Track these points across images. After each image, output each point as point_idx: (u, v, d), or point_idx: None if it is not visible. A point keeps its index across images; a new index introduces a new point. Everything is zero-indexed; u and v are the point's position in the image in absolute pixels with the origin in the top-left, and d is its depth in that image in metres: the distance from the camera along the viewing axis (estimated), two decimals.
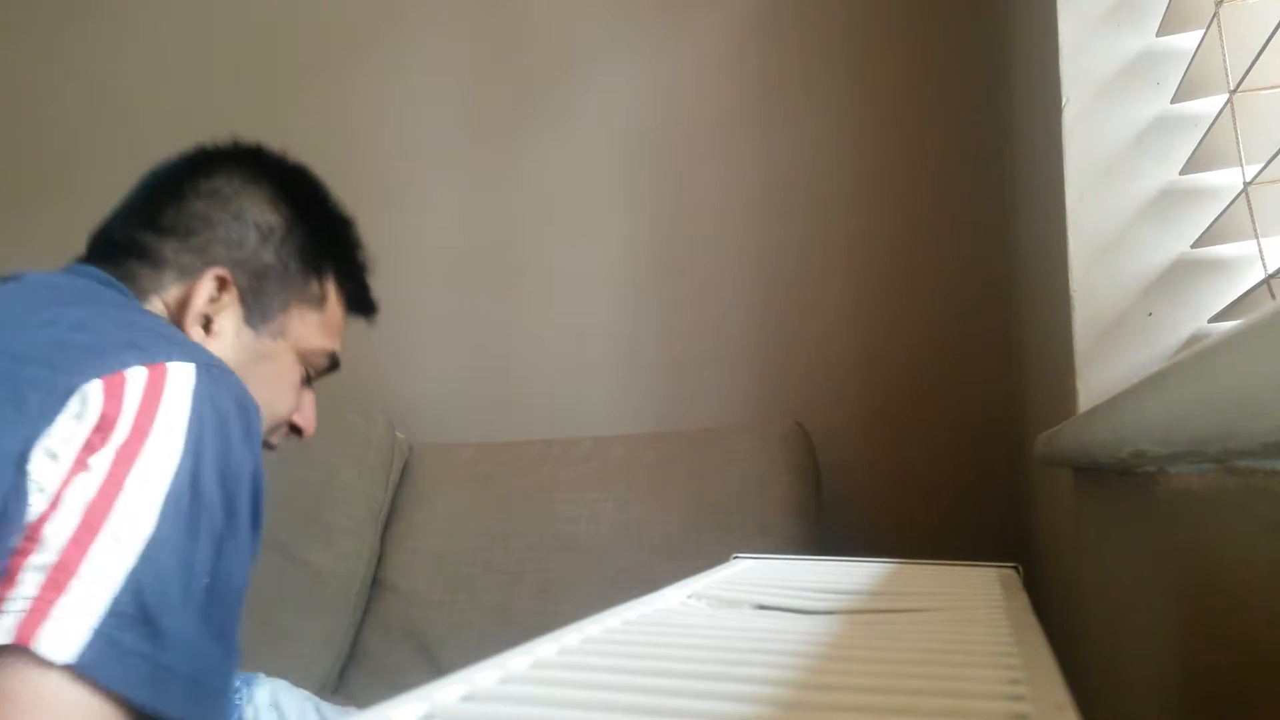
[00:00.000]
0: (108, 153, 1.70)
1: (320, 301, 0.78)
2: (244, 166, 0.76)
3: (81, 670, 0.45)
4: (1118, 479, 0.54)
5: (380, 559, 1.20)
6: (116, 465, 0.49)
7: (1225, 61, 0.55)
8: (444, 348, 1.49)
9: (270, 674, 1.07)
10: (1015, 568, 0.56)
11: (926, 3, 1.31)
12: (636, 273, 1.41)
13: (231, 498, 0.54)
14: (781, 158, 1.36)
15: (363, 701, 1.07)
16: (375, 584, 1.19)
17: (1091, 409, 0.51)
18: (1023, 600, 0.43)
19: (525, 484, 1.18)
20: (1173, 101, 0.66)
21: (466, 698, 0.25)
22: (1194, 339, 0.63)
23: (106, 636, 0.46)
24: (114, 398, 0.51)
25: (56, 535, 0.47)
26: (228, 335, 0.70)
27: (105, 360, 0.52)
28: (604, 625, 0.35)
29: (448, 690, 0.25)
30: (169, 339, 0.58)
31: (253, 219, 0.73)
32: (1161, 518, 0.46)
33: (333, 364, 0.82)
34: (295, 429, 0.81)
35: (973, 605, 0.41)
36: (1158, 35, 0.68)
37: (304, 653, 1.09)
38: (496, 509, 1.17)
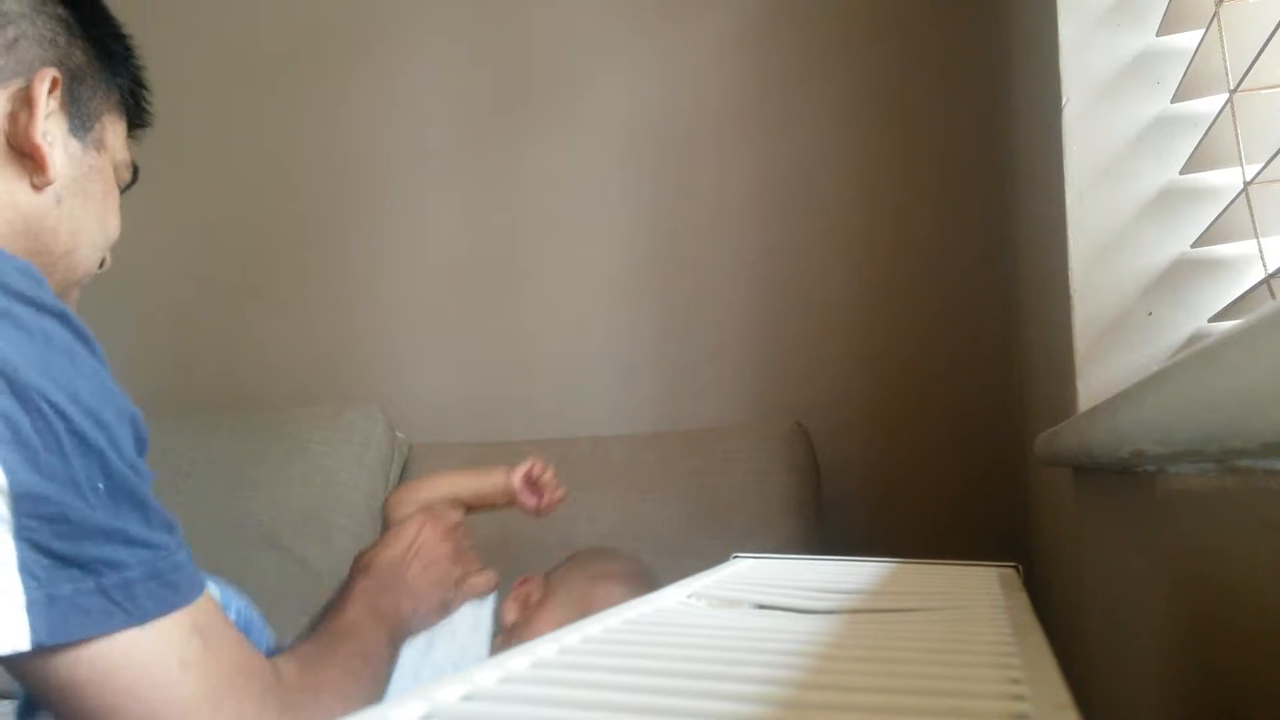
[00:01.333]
0: None
1: (120, 108, 0.70)
2: None
3: (49, 643, 0.43)
4: (1118, 478, 0.54)
5: None
6: None
7: (1225, 61, 0.55)
8: (443, 347, 1.49)
9: None
10: (1015, 567, 0.56)
11: (926, 3, 1.31)
12: (636, 272, 1.41)
13: (60, 387, 0.45)
14: (781, 158, 1.36)
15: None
16: None
17: (1091, 409, 0.51)
18: (1023, 600, 0.43)
19: None
20: (1173, 101, 0.66)
21: (466, 697, 0.25)
22: (1194, 339, 0.63)
23: (42, 603, 0.43)
24: None
25: None
26: (58, 147, 0.60)
27: None
28: (604, 625, 0.35)
29: (448, 690, 0.25)
30: None
31: (51, 9, 0.63)
32: (1161, 517, 0.46)
33: (134, 178, 0.72)
34: None
35: (973, 605, 0.41)
36: (1158, 35, 0.68)
37: None
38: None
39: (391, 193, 1.55)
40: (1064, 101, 0.69)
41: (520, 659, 0.29)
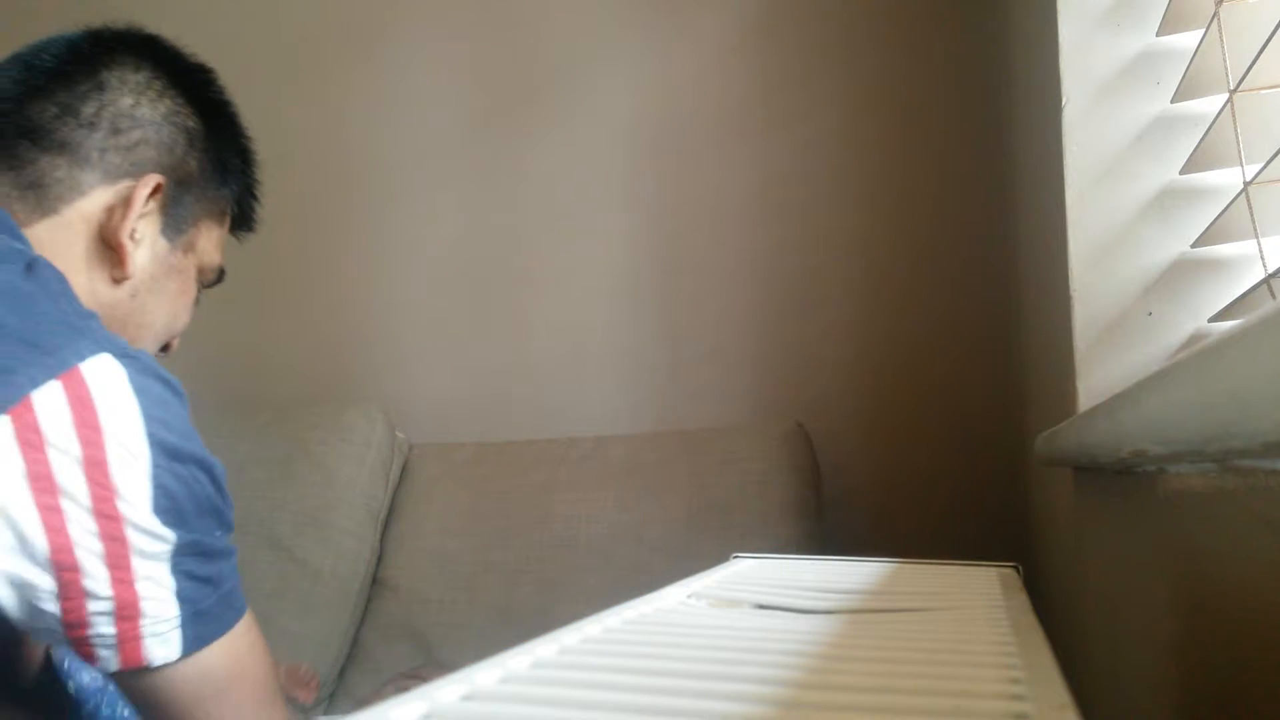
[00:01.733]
0: None
1: (223, 217, 0.73)
2: (156, 59, 0.69)
3: (193, 651, 0.52)
4: (1118, 478, 0.54)
5: (380, 558, 1.20)
6: (95, 492, 0.47)
7: (1225, 61, 0.55)
8: (444, 347, 1.49)
9: None
10: (1015, 567, 0.56)
11: (926, 3, 1.31)
12: (636, 272, 1.41)
13: (199, 480, 0.54)
14: (781, 157, 1.36)
15: (363, 700, 1.07)
16: (375, 583, 1.19)
17: (1091, 408, 0.51)
18: (1023, 600, 0.43)
19: (525, 483, 1.18)
20: (1173, 101, 0.66)
21: (466, 697, 0.25)
22: (1194, 339, 0.63)
23: (190, 619, 0.52)
24: (28, 428, 0.46)
25: (96, 585, 0.48)
26: (145, 246, 0.64)
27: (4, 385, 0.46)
28: (604, 625, 0.35)
29: (448, 690, 0.25)
30: (69, 324, 0.50)
31: (181, 121, 0.67)
32: (1161, 517, 0.46)
33: (219, 278, 0.76)
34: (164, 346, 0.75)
35: (973, 605, 0.41)
36: (1158, 35, 0.68)
37: (304, 652, 1.09)
38: (496, 509, 1.17)
39: (392, 193, 1.55)
40: (1064, 101, 0.69)
41: (520, 658, 0.29)
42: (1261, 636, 0.32)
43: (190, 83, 0.70)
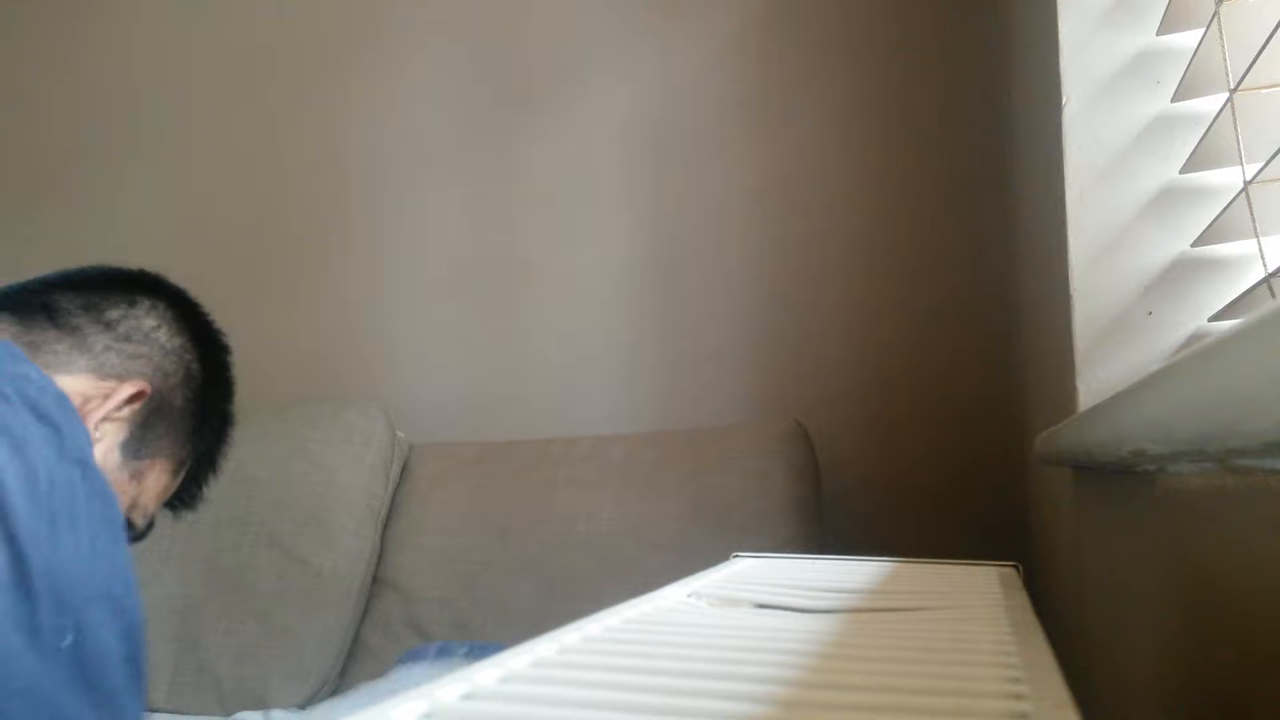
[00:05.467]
0: (108, 153, 1.70)
1: (178, 471, 0.73)
2: (188, 311, 0.74)
3: None
4: (1118, 478, 0.54)
5: (381, 557, 1.20)
6: None
7: (1225, 60, 0.55)
8: (444, 346, 1.49)
9: (271, 672, 1.07)
10: (1015, 566, 0.56)
11: (926, 3, 1.31)
12: (636, 272, 1.41)
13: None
14: (781, 157, 1.36)
15: (363, 700, 1.07)
16: (376, 582, 1.19)
17: (1091, 408, 0.51)
18: (1022, 599, 0.43)
19: (525, 482, 1.18)
20: (1173, 100, 0.66)
21: (467, 696, 0.25)
22: (1194, 338, 0.63)
23: None
24: None
25: None
26: (100, 448, 0.64)
27: None
28: (604, 624, 0.35)
29: (448, 689, 0.25)
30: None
31: (186, 360, 0.71)
32: (1161, 517, 0.46)
33: (145, 533, 0.73)
34: None
35: (972, 604, 0.41)
36: (1158, 34, 0.68)
37: (305, 651, 1.09)
38: (497, 507, 1.17)
39: (391, 192, 1.55)
40: (1064, 101, 0.69)
41: (520, 658, 0.29)
42: (1262, 636, 0.32)
43: (209, 345, 0.74)
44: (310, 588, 1.12)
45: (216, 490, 1.20)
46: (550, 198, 1.47)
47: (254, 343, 1.58)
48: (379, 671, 1.10)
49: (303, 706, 1.07)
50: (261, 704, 1.06)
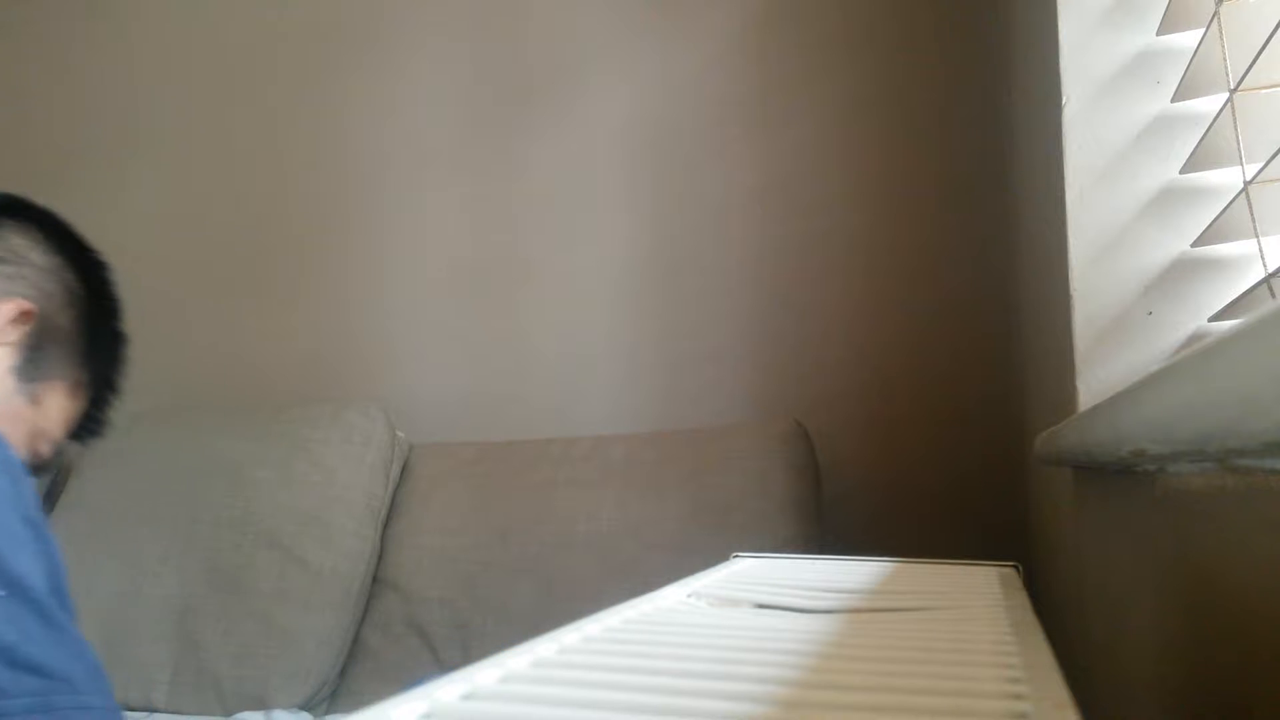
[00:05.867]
0: (108, 153, 1.70)
1: (75, 394, 0.72)
2: (61, 236, 0.71)
3: None
4: (1118, 478, 0.54)
5: (381, 557, 1.20)
6: None
7: (1225, 60, 0.55)
8: (444, 346, 1.49)
9: (271, 673, 1.07)
10: (1015, 567, 0.56)
11: (926, 3, 1.31)
12: (636, 272, 1.41)
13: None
14: (781, 157, 1.36)
15: (363, 700, 1.07)
16: (376, 582, 1.19)
17: (1092, 408, 0.51)
18: (1022, 599, 0.43)
19: (525, 482, 1.18)
20: (1173, 100, 0.66)
21: (467, 696, 0.25)
22: (1194, 338, 0.63)
23: None
24: None
25: None
26: None
27: None
28: (604, 624, 0.35)
29: (448, 689, 0.25)
30: None
31: (65, 279, 0.69)
32: (1161, 516, 0.46)
33: (48, 461, 0.72)
34: None
35: (972, 604, 0.41)
36: (1158, 34, 0.68)
37: (305, 651, 1.09)
38: (497, 507, 1.17)
39: (391, 192, 1.55)
40: (1064, 101, 0.69)
41: (520, 658, 0.29)
42: (1262, 636, 0.32)
43: (86, 262, 0.72)
44: (310, 588, 1.12)
45: (217, 490, 1.21)
46: (550, 198, 1.47)
47: (254, 343, 1.58)
48: (379, 671, 1.10)
49: (303, 706, 1.07)
50: (261, 704, 1.06)
